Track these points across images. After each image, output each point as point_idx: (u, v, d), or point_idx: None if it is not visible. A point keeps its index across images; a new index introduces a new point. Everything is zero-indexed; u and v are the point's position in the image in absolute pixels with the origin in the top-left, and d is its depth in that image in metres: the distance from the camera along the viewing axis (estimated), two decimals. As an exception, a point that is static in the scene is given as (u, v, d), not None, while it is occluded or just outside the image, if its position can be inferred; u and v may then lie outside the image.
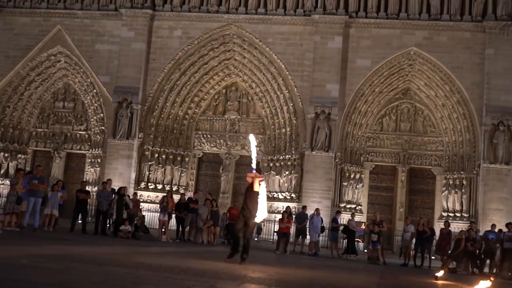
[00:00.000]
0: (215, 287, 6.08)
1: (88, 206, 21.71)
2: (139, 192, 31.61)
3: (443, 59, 31.80)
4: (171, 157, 35.29)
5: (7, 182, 29.19)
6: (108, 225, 21.82)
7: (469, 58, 31.65)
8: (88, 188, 26.80)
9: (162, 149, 34.96)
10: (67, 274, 5.97)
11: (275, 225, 26.13)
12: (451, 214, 31.60)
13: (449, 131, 32.93)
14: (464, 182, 31.90)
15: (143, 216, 24.19)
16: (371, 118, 34.01)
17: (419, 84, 33.36)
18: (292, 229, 24.00)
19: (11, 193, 17.53)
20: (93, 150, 35.68)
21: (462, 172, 32.00)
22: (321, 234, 24.34)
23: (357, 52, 32.70)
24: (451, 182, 32.32)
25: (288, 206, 28.45)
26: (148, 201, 33.37)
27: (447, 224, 23.15)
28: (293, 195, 32.75)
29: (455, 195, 31.99)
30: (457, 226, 28.65)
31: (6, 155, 36.42)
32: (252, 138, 12.93)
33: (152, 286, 5.62)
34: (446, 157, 33.15)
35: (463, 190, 31.83)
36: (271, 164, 33.78)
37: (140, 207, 24.82)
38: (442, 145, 33.46)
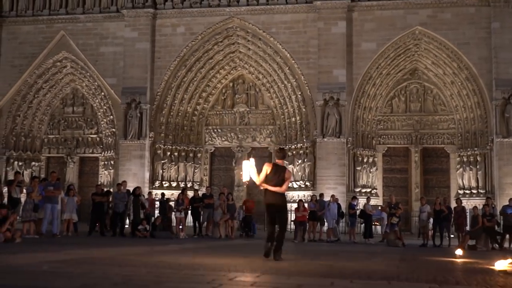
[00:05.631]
0: (235, 280, 6.11)
1: (104, 209, 21.81)
2: (154, 191, 31.72)
3: (449, 36, 31.57)
4: (183, 154, 35.36)
5: (23, 190, 29.33)
6: (125, 226, 21.95)
7: (475, 33, 31.39)
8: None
9: (173, 147, 35.03)
10: (87, 277, 6.01)
11: (291, 214, 26.11)
12: (468, 192, 31.47)
13: (459, 108, 32.73)
14: (479, 158, 31.73)
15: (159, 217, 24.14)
16: (380, 101, 33.87)
17: (426, 63, 33.15)
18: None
19: (28, 201, 17.71)
20: (106, 152, 35.85)
21: (475, 149, 31.82)
22: (341, 220, 24.33)
23: (362, 35, 32.51)
24: (465, 159, 32.15)
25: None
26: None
27: (459, 201, 23.06)
28: (307, 183, 32.74)
29: (470, 172, 31.83)
30: (475, 203, 28.50)
31: (20, 163, 36.65)
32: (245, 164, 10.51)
33: (173, 284, 5.65)
34: (459, 135, 32.97)
35: (478, 167, 31.66)
36: (283, 154, 33.67)
37: (156, 206, 24.85)
38: (454, 122, 33.28)
